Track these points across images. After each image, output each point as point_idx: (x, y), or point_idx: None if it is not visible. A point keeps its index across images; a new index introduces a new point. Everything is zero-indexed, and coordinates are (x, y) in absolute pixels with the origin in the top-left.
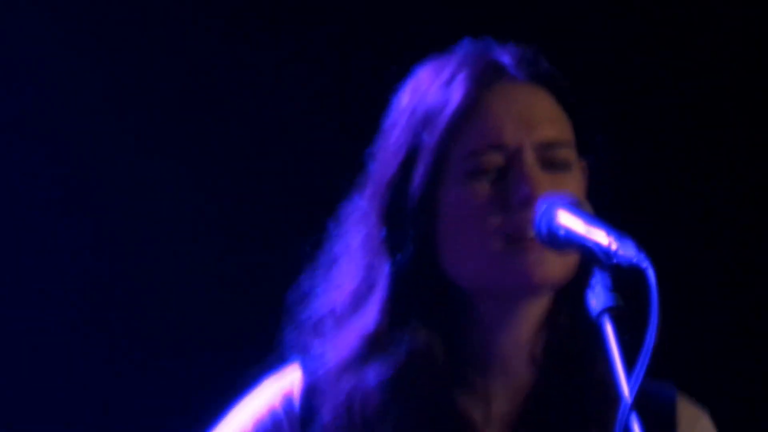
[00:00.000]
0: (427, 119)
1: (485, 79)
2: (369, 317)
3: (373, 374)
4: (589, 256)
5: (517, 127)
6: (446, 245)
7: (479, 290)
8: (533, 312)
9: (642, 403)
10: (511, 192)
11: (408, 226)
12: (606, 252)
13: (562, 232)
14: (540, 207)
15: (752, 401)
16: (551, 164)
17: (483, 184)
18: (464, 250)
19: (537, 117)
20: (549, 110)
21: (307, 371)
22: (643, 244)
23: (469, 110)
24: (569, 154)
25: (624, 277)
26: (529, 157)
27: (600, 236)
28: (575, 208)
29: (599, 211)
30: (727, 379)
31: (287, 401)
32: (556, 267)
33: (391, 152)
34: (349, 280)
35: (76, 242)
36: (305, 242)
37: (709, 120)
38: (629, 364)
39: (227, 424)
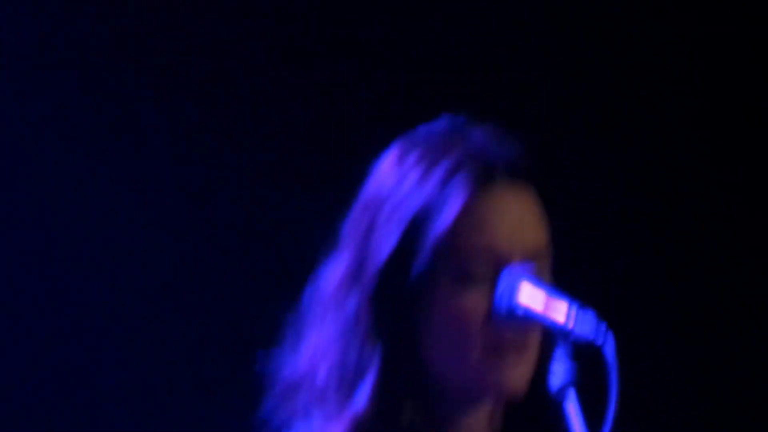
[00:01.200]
0: (421, 218)
1: (479, 185)
2: (357, 401)
3: None
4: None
5: (509, 238)
6: (429, 343)
7: (453, 388)
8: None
9: None
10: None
11: (397, 316)
12: (563, 330)
13: (520, 312)
14: (502, 281)
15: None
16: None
17: (472, 292)
18: (447, 354)
19: (526, 227)
20: (535, 216)
21: None
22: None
23: (465, 217)
24: (548, 257)
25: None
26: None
27: (558, 314)
28: (533, 280)
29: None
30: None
31: None
32: (526, 372)
33: (381, 240)
34: (330, 355)
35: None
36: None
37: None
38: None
39: None
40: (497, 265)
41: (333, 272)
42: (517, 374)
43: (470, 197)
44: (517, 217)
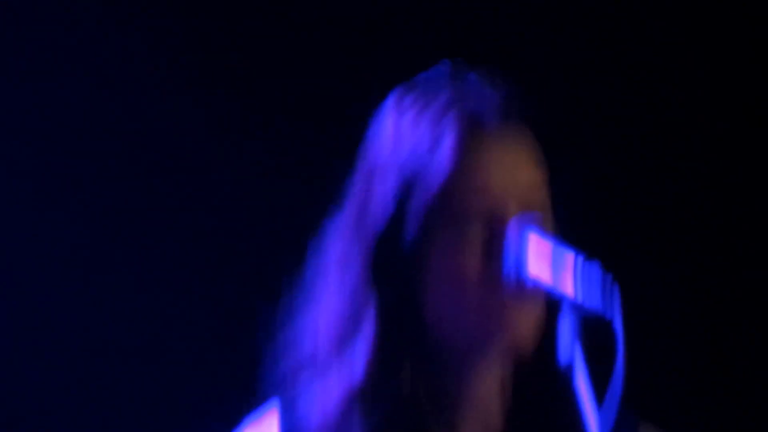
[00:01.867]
0: (415, 175)
1: (469, 129)
2: (354, 367)
3: (359, 427)
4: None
5: (503, 180)
6: (431, 299)
7: (457, 343)
8: (505, 364)
9: None
10: (497, 248)
11: (396, 277)
12: (572, 304)
13: (529, 283)
14: (509, 245)
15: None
16: (531, 206)
17: (470, 238)
18: (449, 307)
19: (520, 168)
20: (529, 156)
21: (285, 415)
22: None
23: (458, 175)
24: (546, 195)
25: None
26: (513, 210)
27: (567, 285)
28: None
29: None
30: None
31: None
32: (533, 328)
33: (377, 201)
34: (331, 321)
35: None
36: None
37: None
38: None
39: None
40: (492, 206)
41: (334, 235)
42: (523, 329)
43: (460, 142)
44: (510, 159)
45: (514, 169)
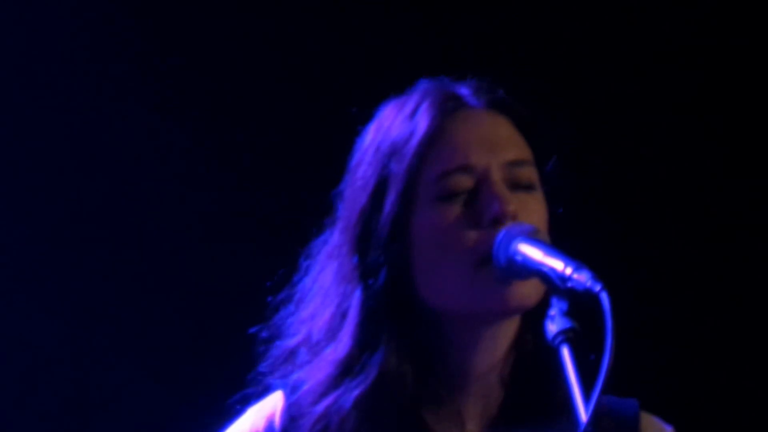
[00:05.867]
0: (393, 150)
1: (447, 108)
2: (341, 343)
3: (347, 396)
4: (545, 282)
5: (483, 150)
6: (420, 269)
7: (452, 313)
8: (504, 334)
9: (603, 421)
10: (481, 211)
11: (380, 252)
12: (561, 277)
13: (519, 258)
14: (499, 236)
15: (717, 417)
16: (517, 184)
17: (453, 206)
18: (438, 273)
19: (500, 140)
20: (510, 133)
21: (287, 395)
22: (599, 268)
23: (435, 137)
24: (533, 173)
25: (582, 304)
26: (497, 177)
27: (556, 263)
28: (533, 238)
29: (556, 236)
30: (692, 395)
31: (269, 423)
32: (525, 290)
33: (360, 186)
34: (324, 310)
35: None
36: (277, 276)
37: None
38: (591, 385)
39: None
40: (475, 178)
41: (328, 230)
42: (515, 292)
43: (437, 118)
44: (489, 134)
45: (496, 143)
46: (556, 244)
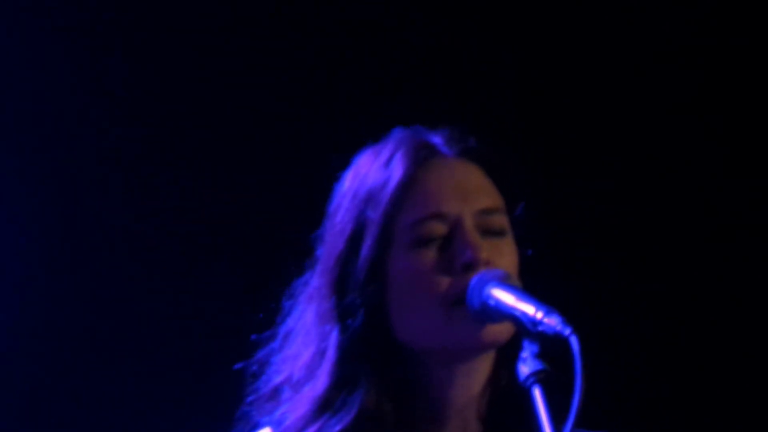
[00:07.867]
0: (370, 197)
1: (420, 156)
2: (318, 381)
3: None
4: (517, 325)
5: (455, 198)
6: (395, 310)
7: (428, 350)
8: (479, 370)
9: None
10: (455, 257)
11: (357, 294)
12: (532, 321)
13: (492, 302)
14: (472, 281)
15: None
16: (489, 231)
17: (428, 252)
18: (413, 315)
19: (472, 188)
20: (481, 182)
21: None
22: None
23: (409, 185)
24: (503, 220)
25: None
26: (469, 225)
27: (527, 307)
28: (505, 283)
29: (528, 282)
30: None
31: None
32: (497, 328)
33: (338, 230)
34: (304, 349)
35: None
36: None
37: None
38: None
39: None
40: (448, 225)
41: (311, 271)
42: (488, 329)
43: (411, 167)
44: (462, 182)
45: (468, 191)
46: (527, 287)
